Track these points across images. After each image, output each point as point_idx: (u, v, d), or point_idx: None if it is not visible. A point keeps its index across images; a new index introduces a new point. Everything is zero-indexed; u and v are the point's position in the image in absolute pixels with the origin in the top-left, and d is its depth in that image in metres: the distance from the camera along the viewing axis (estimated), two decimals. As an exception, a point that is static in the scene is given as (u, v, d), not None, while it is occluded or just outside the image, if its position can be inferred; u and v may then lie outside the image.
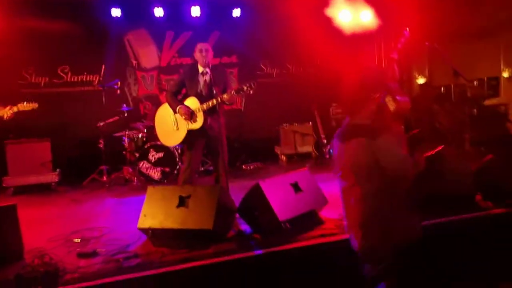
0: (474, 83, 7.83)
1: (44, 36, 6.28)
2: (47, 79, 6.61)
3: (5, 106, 3.72)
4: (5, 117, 3.70)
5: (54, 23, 6.32)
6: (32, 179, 5.41)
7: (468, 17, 7.67)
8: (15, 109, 3.73)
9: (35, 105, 3.88)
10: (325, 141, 6.71)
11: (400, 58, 4.73)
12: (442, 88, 7.95)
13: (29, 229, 3.07)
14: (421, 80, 8.81)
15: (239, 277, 2.65)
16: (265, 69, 7.86)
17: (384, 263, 2.13)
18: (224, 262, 2.61)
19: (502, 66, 7.99)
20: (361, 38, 6.67)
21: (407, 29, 4.53)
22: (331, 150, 6.70)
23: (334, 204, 3.57)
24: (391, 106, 4.69)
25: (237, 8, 7.20)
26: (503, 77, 7.96)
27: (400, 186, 2.13)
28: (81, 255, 2.81)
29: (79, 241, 3.16)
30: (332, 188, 4.31)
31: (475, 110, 7.44)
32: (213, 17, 7.19)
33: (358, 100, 2.26)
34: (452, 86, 7.67)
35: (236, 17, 7.27)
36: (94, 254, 2.83)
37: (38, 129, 5.79)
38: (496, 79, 7.86)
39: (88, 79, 6.82)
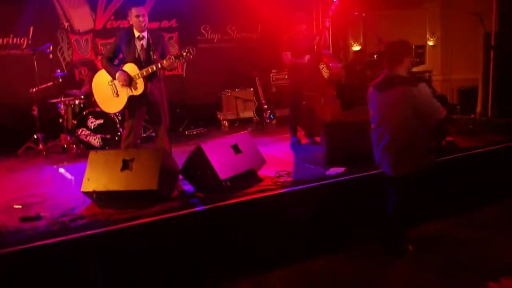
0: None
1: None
2: (-33, 41, 6.07)
3: None
4: None
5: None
6: (-41, 149, 5.10)
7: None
8: None
9: None
10: (265, 106, 6.97)
11: (333, 26, 5.01)
12: (375, 56, 8.49)
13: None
14: (356, 48, 9.29)
15: (184, 232, 2.85)
16: (206, 34, 7.81)
17: (404, 183, 2.90)
18: (169, 218, 2.79)
19: (427, 35, 8.67)
20: (298, 5, 6.87)
21: None
22: (271, 116, 7.00)
23: (272, 164, 3.89)
24: (325, 73, 5.04)
25: (176, -31, 7.01)
26: (429, 45, 8.65)
27: (427, 125, 2.93)
28: (24, 219, 2.84)
29: (20, 207, 3.16)
30: (270, 150, 4.65)
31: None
32: (151, -22, 6.95)
33: (400, 56, 2.93)
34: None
35: (176, -21, 7.09)
36: (38, 218, 2.87)
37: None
38: (422, 47, 8.52)
39: (15, 41, 6.36)
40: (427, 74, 8.08)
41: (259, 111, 7.04)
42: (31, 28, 6.01)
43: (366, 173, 3.45)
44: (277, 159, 4.30)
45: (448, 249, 3.15)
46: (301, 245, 3.10)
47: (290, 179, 3.45)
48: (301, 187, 3.25)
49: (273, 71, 7.59)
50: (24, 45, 6.34)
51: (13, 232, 2.62)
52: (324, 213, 3.21)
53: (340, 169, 3.56)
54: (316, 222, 3.18)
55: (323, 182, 3.33)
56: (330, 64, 4.81)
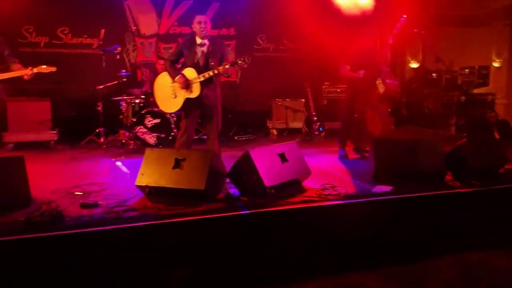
0: (465, 71, 8.09)
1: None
2: (47, 39, 6.71)
3: (25, 67, 3.81)
4: (25, 77, 3.81)
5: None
6: (31, 136, 5.62)
7: (463, 5, 7.84)
8: (35, 70, 3.82)
9: (53, 69, 3.96)
10: (315, 118, 6.98)
11: (395, 43, 4.96)
12: (433, 74, 8.20)
13: (32, 182, 3.30)
14: (414, 65, 9.04)
15: (226, 233, 2.95)
16: (261, 43, 8.00)
17: None
18: (214, 219, 2.90)
19: (493, 56, 8.23)
20: (358, 20, 6.82)
21: (404, 16, 4.74)
22: (320, 128, 6.98)
23: (317, 176, 3.90)
24: (381, 88, 4.98)
25: (239, -20, 7.27)
26: (494, 66, 8.22)
27: None
28: (84, 206, 3.08)
29: (81, 194, 3.43)
30: (317, 162, 4.65)
31: (463, 97, 7.73)
32: (214, -13, 7.26)
33: None
34: (443, 72, 7.93)
35: (237, -11, 7.35)
36: (95, 205, 3.10)
37: (38, 88, 5.95)
38: (486, 68, 8.11)
39: (87, 42, 6.92)
40: (489, 97, 7.68)
41: (308, 122, 7.05)
42: (103, 31, 6.48)
43: (414, 194, 3.36)
44: (323, 172, 4.29)
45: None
46: (339, 259, 3.07)
47: (334, 192, 3.44)
48: (345, 201, 3.23)
49: (326, 83, 7.59)
50: (95, 46, 6.88)
51: (73, 217, 2.85)
52: (367, 230, 3.17)
53: (387, 188, 3.49)
54: (357, 238, 3.14)
55: (368, 199, 3.29)
56: (387, 81, 4.75)
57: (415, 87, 8.74)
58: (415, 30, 5.67)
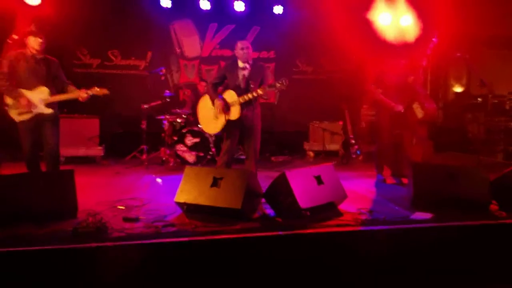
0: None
1: (98, 20, 6.81)
2: (99, 61, 7.20)
3: (79, 88, 4.05)
4: (80, 99, 4.02)
5: (108, 9, 6.83)
6: (81, 152, 5.99)
7: (509, 25, 7.58)
8: (89, 92, 3.99)
9: (106, 92, 4.06)
10: (353, 141, 6.91)
11: (433, 64, 4.85)
12: (478, 98, 7.91)
13: (79, 194, 3.49)
14: (458, 89, 8.77)
15: (261, 252, 2.98)
16: (300, 65, 8.11)
17: None
18: (249, 238, 2.95)
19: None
20: (395, 41, 6.78)
21: (436, 36, 4.67)
22: (358, 151, 6.90)
23: (354, 200, 3.86)
24: (419, 113, 4.88)
25: (278, 5, 7.48)
26: (546, 91, 7.81)
27: None
28: (126, 219, 3.23)
29: (123, 208, 3.60)
30: (353, 185, 4.61)
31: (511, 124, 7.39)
32: (255, 12, 7.52)
33: None
34: (490, 97, 7.64)
35: (277, 14, 7.55)
36: (137, 219, 3.24)
37: (88, 106, 6.31)
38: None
39: (135, 63, 7.34)
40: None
41: (346, 145, 6.99)
42: (149, 53, 6.90)
43: (456, 223, 3.24)
44: (360, 196, 4.24)
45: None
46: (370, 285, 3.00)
47: (371, 217, 3.39)
48: (382, 227, 3.17)
49: (364, 106, 7.53)
50: (142, 67, 7.28)
51: (116, 229, 3.00)
52: (403, 258, 3.08)
53: (427, 215, 3.39)
54: (393, 265, 3.06)
55: (406, 226, 3.21)
56: (425, 104, 4.66)
57: (457, 111, 8.46)
58: (458, 54, 5.55)
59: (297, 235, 3.02)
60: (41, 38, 3.92)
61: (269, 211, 3.55)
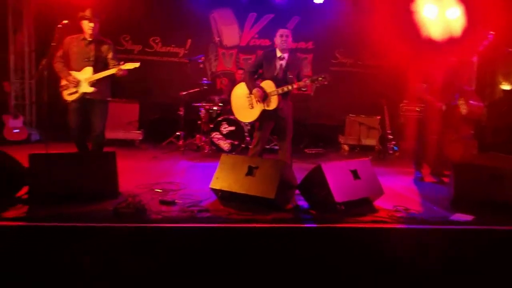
0: None
1: (141, 8, 6.97)
2: (140, 47, 7.39)
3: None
4: (117, 75, 4.12)
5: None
6: (120, 135, 6.20)
7: None
8: (122, 67, 4.07)
9: (136, 64, 4.12)
10: (390, 136, 6.74)
11: (482, 61, 4.62)
12: (528, 97, 7.48)
13: (119, 176, 3.62)
14: (506, 87, 8.32)
15: (292, 244, 2.99)
16: (339, 57, 7.95)
17: None
18: (281, 228, 2.96)
19: None
20: (441, 37, 6.50)
21: (492, 33, 4.42)
22: (395, 147, 6.72)
23: (389, 197, 3.78)
24: (463, 109, 4.68)
25: (320, -5, 7.34)
26: None
27: None
28: (163, 202, 3.33)
29: (160, 191, 3.71)
30: (390, 182, 4.50)
31: None
32: (295, 2, 7.41)
33: None
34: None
35: (318, 4, 7.41)
36: (173, 203, 3.33)
37: (129, 91, 6.54)
38: None
39: (175, 51, 7.47)
40: None
41: (383, 140, 6.83)
42: (189, 41, 6.98)
43: (500, 227, 3.10)
44: (396, 193, 4.15)
45: None
46: (404, 286, 2.94)
47: (407, 215, 3.31)
48: (419, 226, 3.08)
49: (404, 101, 7.30)
50: (181, 55, 7.41)
51: (153, 211, 3.10)
52: (441, 259, 2.99)
53: (468, 217, 3.26)
54: (429, 266, 2.98)
55: (445, 227, 3.11)
56: (470, 102, 4.46)
57: (505, 110, 8.03)
58: (509, 49, 5.24)
59: (331, 228, 3.00)
60: (93, 23, 4.11)
61: (303, 203, 3.54)
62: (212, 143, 5.94)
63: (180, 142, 6.10)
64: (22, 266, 2.66)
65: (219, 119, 5.98)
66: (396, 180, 4.78)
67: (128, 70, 4.14)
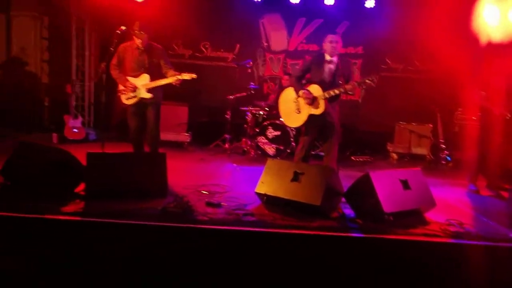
0: None
1: (192, 14, 7.18)
2: (191, 52, 7.63)
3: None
4: (174, 83, 4.35)
5: (203, 2, 7.17)
6: (170, 136, 6.42)
7: None
8: (179, 77, 4.31)
9: (194, 75, 4.36)
10: (443, 146, 6.42)
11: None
12: None
13: (168, 176, 3.76)
14: None
15: (337, 253, 2.93)
16: (389, 63, 7.72)
17: None
18: (327, 236, 2.92)
19: None
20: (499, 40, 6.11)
21: None
22: (448, 157, 6.39)
23: (442, 209, 3.60)
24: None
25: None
26: None
27: None
28: (209, 204, 3.40)
29: (206, 193, 3.79)
30: (442, 193, 4.29)
31: None
32: (345, 7, 7.30)
33: None
34: None
35: (369, 8, 7.25)
36: (219, 205, 3.39)
37: (179, 94, 6.73)
38: None
39: (224, 55, 7.63)
40: None
41: (435, 149, 6.52)
42: (237, 46, 7.09)
43: None
44: (449, 205, 3.94)
45: None
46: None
47: (462, 230, 3.13)
48: (475, 242, 2.91)
49: (459, 109, 6.93)
50: (230, 59, 7.54)
51: (200, 212, 3.17)
52: (498, 279, 2.80)
53: (530, 235, 3.03)
54: (483, 286, 2.80)
55: (505, 244, 2.90)
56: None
57: None
58: None
59: (379, 239, 2.91)
60: (143, 36, 4.33)
61: (349, 211, 3.47)
62: (258, 147, 5.98)
63: (226, 145, 6.20)
64: (77, 259, 2.82)
65: (265, 123, 6.01)
66: (449, 192, 4.54)
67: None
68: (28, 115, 7.15)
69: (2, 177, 3.57)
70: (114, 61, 4.44)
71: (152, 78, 4.39)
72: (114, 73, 4.44)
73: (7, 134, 6.39)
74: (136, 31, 4.32)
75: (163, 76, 4.45)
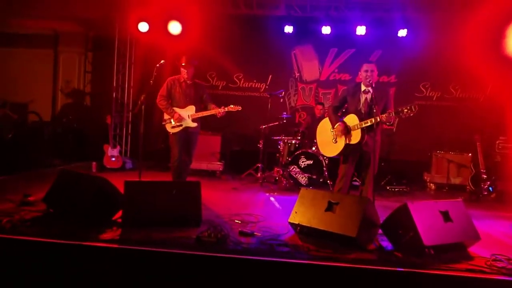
0: None
1: (226, 46, 7.44)
2: (224, 83, 7.86)
3: (219, 106, 4.82)
4: (218, 115, 4.78)
5: (237, 36, 7.42)
6: (203, 165, 6.53)
7: None
8: (226, 109, 4.77)
9: (239, 108, 4.87)
10: (485, 176, 6.13)
11: None
12: None
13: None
14: None
15: (376, 287, 2.81)
16: (424, 91, 7.59)
17: None
18: (364, 270, 2.81)
19: None
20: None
21: None
22: (491, 188, 6.09)
23: (487, 243, 3.41)
24: None
25: (404, 29, 7.15)
26: None
27: None
28: (242, 234, 3.39)
29: (240, 222, 3.78)
30: (486, 227, 4.07)
31: None
32: (378, 36, 7.31)
33: None
34: None
35: (401, 37, 7.23)
36: (252, 235, 3.37)
37: (213, 124, 6.89)
38: None
39: (256, 86, 7.79)
40: None
41: (476, 180, 6.23)
42: (270, 76, 7.23)
43: None
44: (494, 239, 3.72)
45: None
46: None
47: (510, 266, 2.94)
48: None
49: (501, 138, 6.66)
50: (262, 89, 7.69)
51: (233, 241, 3.16)
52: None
53: None
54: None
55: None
56: None
57: None
58: None
59: (419, 274, 2.77)
60: (189, 69, 4.76)
61: (386, 243, 3.35)
62: (290, 176, 5.95)
63: (259, 174, 6.21)
64: (113, 285, 2.86)
65: (297, 152, 5.99)
66: (493, 225, 4.30)
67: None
68: (71, 146, 7.55)
69: (46, 204, 3.73)
70: (163, 92, 4.81)
71: (197, 109, 4.78)
72: (164, 103, 4.78)
73: (57, 164, 6.77)
74: (184, 64, 4.70)
75: (204, 108, 4.85)
